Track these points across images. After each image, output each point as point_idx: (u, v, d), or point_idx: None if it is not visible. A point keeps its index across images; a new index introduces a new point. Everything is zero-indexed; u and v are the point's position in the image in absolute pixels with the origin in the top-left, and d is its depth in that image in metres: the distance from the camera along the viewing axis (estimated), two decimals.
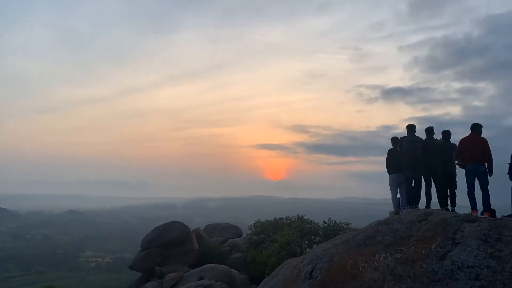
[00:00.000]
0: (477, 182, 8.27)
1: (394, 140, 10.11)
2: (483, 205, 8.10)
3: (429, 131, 9.54)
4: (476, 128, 8.55)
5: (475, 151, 8.31)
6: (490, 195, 8.04)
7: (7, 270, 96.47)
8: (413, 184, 9.44)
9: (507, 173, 7.78)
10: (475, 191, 8.32)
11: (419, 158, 9.07)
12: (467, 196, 8.45)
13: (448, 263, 5.55)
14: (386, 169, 10.08)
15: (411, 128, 9.66)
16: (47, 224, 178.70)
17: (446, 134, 9.44)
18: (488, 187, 8.11)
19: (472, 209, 8.29)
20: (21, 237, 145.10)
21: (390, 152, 10.02)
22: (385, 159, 10.11)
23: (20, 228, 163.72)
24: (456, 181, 9.21)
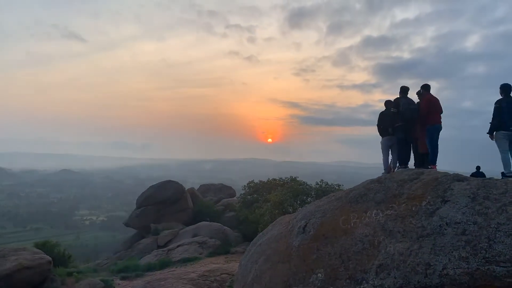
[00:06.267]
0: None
1: (388, 102, 9.88)
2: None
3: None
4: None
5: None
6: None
7: (2, 227, 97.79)
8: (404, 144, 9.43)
9: (487, 133, 7.94)
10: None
11: (415, 118, 9.04)
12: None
13: (437, 219, 5.72)
14: (377, 133, 10.06)
15: (404, 89, 9.44)
16: (41, 183, 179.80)
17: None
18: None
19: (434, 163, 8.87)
20: (16, 195, 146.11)
21: (382, 115, 9.85)
22: (377, 123, 10.03)
23: (14, 186, 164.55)
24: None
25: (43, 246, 19.73)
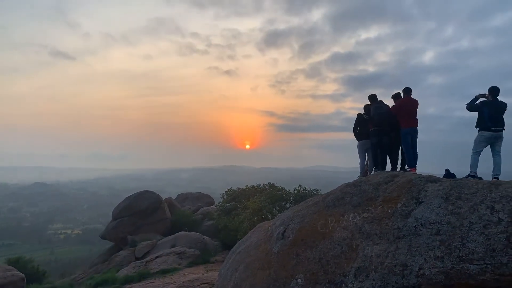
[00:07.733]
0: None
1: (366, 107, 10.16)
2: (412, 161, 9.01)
3: (397, 96, 9.72)
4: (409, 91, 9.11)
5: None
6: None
7: None
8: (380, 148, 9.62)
9: (468, 103, 8.04)
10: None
11: (385, 123, 9.22)
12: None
13: (412, 220, 5.83)
14: (350, 138, 10.24)
15: (373, 97, 9.75)
16: (13, 197, 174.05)
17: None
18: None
19: (412, 166, 8.95)
20: None
21: (358, 118, 10.04)
22: (353, 126, 10.20)
23: None
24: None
25: (16, 263, 19.14)
